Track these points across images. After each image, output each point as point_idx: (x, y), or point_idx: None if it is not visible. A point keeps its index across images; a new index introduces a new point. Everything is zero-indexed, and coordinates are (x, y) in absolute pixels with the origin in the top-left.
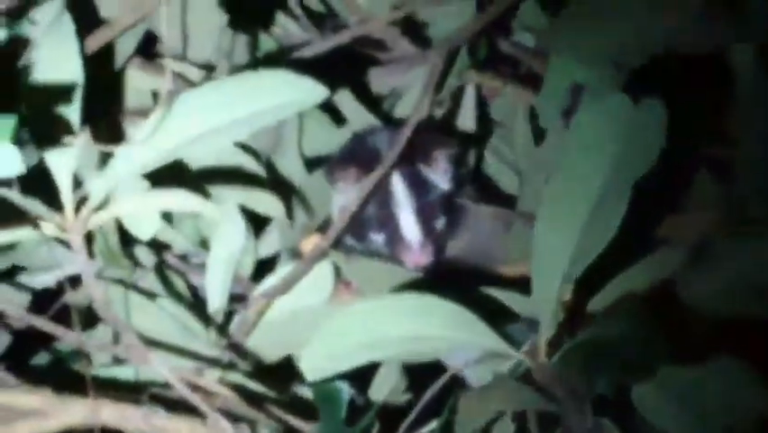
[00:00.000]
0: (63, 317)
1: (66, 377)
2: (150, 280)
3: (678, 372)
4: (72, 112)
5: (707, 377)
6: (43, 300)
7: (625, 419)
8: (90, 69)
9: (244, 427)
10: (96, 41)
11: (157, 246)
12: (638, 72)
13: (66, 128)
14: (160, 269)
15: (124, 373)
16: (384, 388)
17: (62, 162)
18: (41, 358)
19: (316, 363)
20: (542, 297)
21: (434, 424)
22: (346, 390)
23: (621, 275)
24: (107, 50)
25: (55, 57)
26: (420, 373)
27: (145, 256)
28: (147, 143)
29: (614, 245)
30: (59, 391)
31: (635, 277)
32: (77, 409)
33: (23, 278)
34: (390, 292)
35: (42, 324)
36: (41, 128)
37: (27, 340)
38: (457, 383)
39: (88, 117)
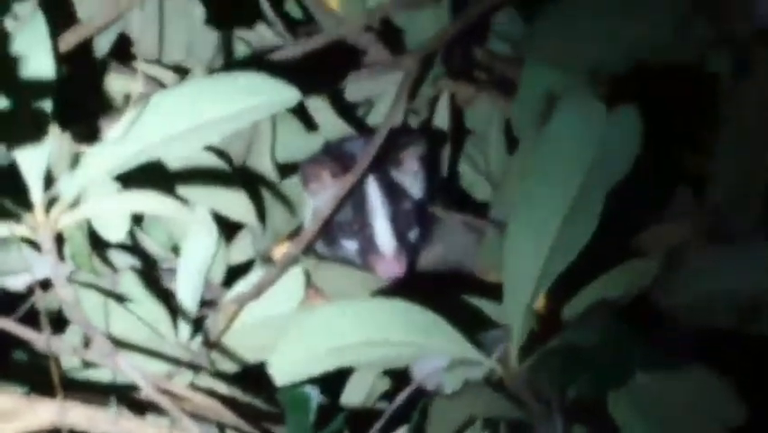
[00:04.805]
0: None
1: (43, 376)
2: (123, 284)
3: (650, 380)
4: (44, 109)
5: (679, 386)
6: (18, 301)
7: (601, 427)
8: (65, 69)
9: (213, 429)
10: (69, 40)
11: (131, 251)
12: (616, 81)
13: (37, 125)
14: (133, 273)
15: (98, 375)
16: (357, 394)
17: (33, 160)
18: (21, 355)
19: (285, 368)
20: (513, 304)
21: (403, 430)
22: (315, 394)
23: (594, 283)
24: (83, 52)
25: (27, 53)
26: (402, 379)
27: (119, 260)
28: (119, 144)
29: (589, 254)
30: (30, 392)
31: (609, 285)
32: (45, 411)
33: None
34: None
35: (10, 326)
36: (12, 125)
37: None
38: (429, 391)
39: (62, 118)
